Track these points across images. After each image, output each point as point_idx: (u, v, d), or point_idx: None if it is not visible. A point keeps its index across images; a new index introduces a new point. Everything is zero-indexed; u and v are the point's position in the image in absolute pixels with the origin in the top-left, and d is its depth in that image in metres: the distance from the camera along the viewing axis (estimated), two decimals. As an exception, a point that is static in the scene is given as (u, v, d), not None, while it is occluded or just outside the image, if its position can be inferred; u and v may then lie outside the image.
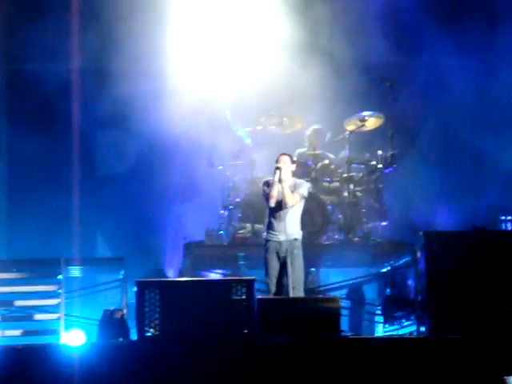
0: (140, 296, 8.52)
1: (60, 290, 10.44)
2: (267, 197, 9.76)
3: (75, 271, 10.92)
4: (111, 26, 12.09)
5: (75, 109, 12.49)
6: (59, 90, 12.49)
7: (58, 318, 10.24)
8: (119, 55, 12.24)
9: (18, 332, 10.29)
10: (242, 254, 11.34)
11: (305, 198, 9.80)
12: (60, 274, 10.51)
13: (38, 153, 12.49)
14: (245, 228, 11.62)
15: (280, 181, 9.66)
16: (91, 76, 12.72)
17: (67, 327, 10.19)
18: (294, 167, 9.88)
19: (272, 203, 9.72)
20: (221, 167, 11.76)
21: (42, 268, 10.66)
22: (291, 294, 9.33)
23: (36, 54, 12.71)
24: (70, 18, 12.43)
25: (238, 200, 11.64)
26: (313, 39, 12.26)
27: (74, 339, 9.75)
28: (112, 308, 9.04)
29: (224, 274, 11.55)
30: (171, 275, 11.66)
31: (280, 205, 9.65)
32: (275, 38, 12.17)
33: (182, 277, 10.95)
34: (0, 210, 12.59)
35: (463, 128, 12.58)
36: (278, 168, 9.70)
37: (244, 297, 8.45)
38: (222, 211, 11.68)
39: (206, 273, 11.58)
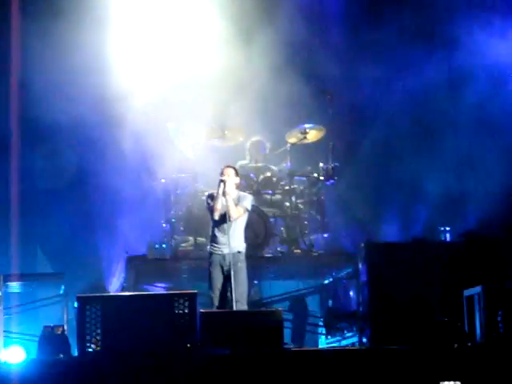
0: (81, 311, 8.44)
1: (-1, 307, 10.30)
2: (211, 210, 9.74)
3: (15, 287, 10.77)
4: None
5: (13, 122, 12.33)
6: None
7: (-5, 336, 10.09)
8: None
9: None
10: (184, 267, 11.31)
11: (248, 211, 9.81)
12: (-1, 290, 10.36)
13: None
14: (187, 241, 11.58)
15: (224, 194, 9.65)
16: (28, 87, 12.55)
17: (6, 344, 10.04)
18: (238, 180, 9.89)
19: (216, 216, 9.70)
20: (163, 180, 11.70)
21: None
22: (235, 308, 9.32)
23: None
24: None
25: (180, 213, 11.60)
26: (255, 50, 12.30)
27: (13, 356, 9.59)
28: (52, 324, 8.90)
29: (167, 288, 11.49)
30: (113, 290, 11.55)
31: (224, 218, 9.64)
32: (215, 47, 12.22)
33: (125, 291, 10.86)
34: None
35: (401, 141, 12.73)
36: (222, 181, 9.69)
37: (187, 310, 8.43)
38: (165, 224, 11.63)
39: (149, 287, 11.51)
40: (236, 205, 9.69)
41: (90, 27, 12.24)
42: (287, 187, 11.84)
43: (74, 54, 12.16)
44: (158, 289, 11.51)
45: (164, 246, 11.47)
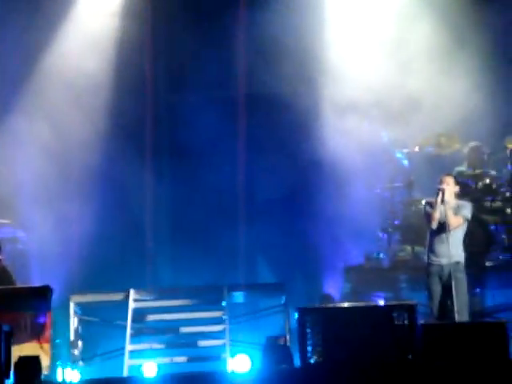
0: (301, 323, 8.57)
1: (224, 316, 10.67)
2: (429, 219, 9.63)
3: (238, 297, 11.12)
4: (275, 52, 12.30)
5: (240, 135, 12.74)
6: (221, 117, 12.75)
7: (224, 344, 10.45)
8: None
9: (184, 358, 10.57)
10: (402, 276, 11.23)
11: (468, 220, 9.61)
12: (224, 300, 10.74)
13: (197, 179, 12.77)
14: (404, 250, 11.50)
15: (443, 202, 9.51)
16: (252, 102, 12.94)
17: (233, 353, 10.37)
18: (457, 189, 9.73)
19: (434, 225, 9.58)
20: (379, 190, 11.70)
21: (207, 294, 10.94)
22: (456, 319, 9.14)
23: (197, 82, 13.04)
24: (233, 45, 12.72)
25: (396, 222, 11.56)
26: (467, 53, 12.03)
27: (239, 365, 9.92)
28: (275, 335, 9.12)
29: (385, 298, 11.45)
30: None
31: (442, 227, 9.50)
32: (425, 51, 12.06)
33: (344, 301, 10.94)
34: (164, 237, 12.96)
35: None
36: (441, 189, 9.57)
37: (406, 322, 8.36)
38: (381, 234, 11.62)
39: (368, 297, 11.51)
40: (455, 214, 9.52)
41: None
42: (508, 193, 11.47)
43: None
44: (376, 298, 11.49)
45: (381, 255, 11.47)
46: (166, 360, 10.50)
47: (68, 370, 10.48)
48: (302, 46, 12.30)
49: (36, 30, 12.25)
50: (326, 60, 12.30)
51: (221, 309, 10.76)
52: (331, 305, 10.33)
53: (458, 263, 9.49)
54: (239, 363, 10.17)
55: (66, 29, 12.49)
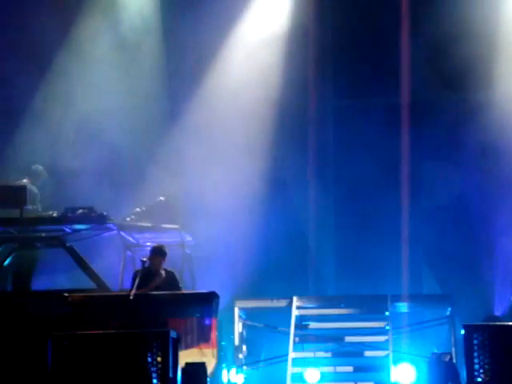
0: (468, 340, 8.34)
1: (388, 327, 10.54)
2: None
3: (403, 307, 10.96)
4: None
5: (404, 142, 12.56)
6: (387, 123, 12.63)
7: (387, 355, 10.33)
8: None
9: (347, 368, 10.53)
10: None
11: None
12: (387, 310, 10.61)
13: (360, 189, 12.68)
14: None
15: None
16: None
17: (396, 363, 10.22)
18: None
19: None
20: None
21: (370, 304, 10.85)
22: None
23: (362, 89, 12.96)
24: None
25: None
26: None
27: (404, 375, 9.78)
28: (440, 352, 8.94)
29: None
30: (499, 312, 11.30)
31: None
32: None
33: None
34: (327, 246, 12.93)
35: None
36: None
37: None
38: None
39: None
40: None
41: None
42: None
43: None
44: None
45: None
46: (329, 369, 10.49)
47: (233, 373, 10.67)
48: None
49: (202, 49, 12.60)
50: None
51: (384, 319, 10.65)
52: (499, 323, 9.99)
53: None
54: (403, 373, 10.04)
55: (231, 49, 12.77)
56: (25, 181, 11.21)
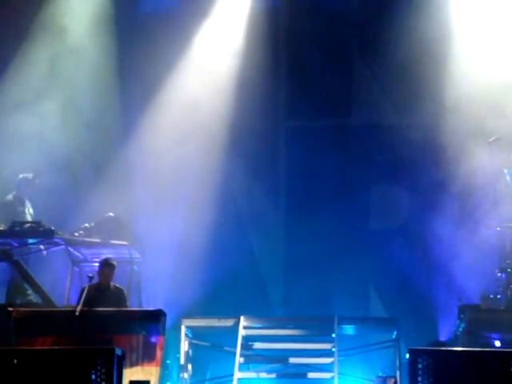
0: (413, 364, 8.37)
1: (334, 349, 10.56)
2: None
3: (349, 329, 10.99)
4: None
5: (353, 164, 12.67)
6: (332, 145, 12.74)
7: (332, 378, 10.34)
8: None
9: (292, 389, 10.54)
10: (521, 319, 10.85)
11: None
12: (334, 332, 10.63)
13: (311, 210, 12.75)
14: (524, 292, 11.11)
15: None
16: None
17: (341, 387, 10.26)
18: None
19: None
20: (498, 228, 11.36)
21: (317, 325, 10.86)
22: None
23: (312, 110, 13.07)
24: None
25: (516, 263, 11.18)
26: None
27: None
28: (384, 375, 8.98)
29: (502, 340, 11.10)
30: (444, 338, 11.41)
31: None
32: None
33: (456, 341, 10.67)
34: (277, 266, 12.96)
35: None
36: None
37: (525, 371, 8.05)
38: (500, 274, 11.26)
39: (482, 338, 11.18)
40: None
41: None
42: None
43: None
44: (492, 340, 11.14)
45: (498, 296, 11.11)
46: (274, 389, 10.48)
47: (177, 393, 10.61)
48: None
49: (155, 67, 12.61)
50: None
51: (330, 341, 10.66)
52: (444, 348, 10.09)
53: None
54: (348, 397, 10.07)
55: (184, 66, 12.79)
56: (9, 197, 11.28)
